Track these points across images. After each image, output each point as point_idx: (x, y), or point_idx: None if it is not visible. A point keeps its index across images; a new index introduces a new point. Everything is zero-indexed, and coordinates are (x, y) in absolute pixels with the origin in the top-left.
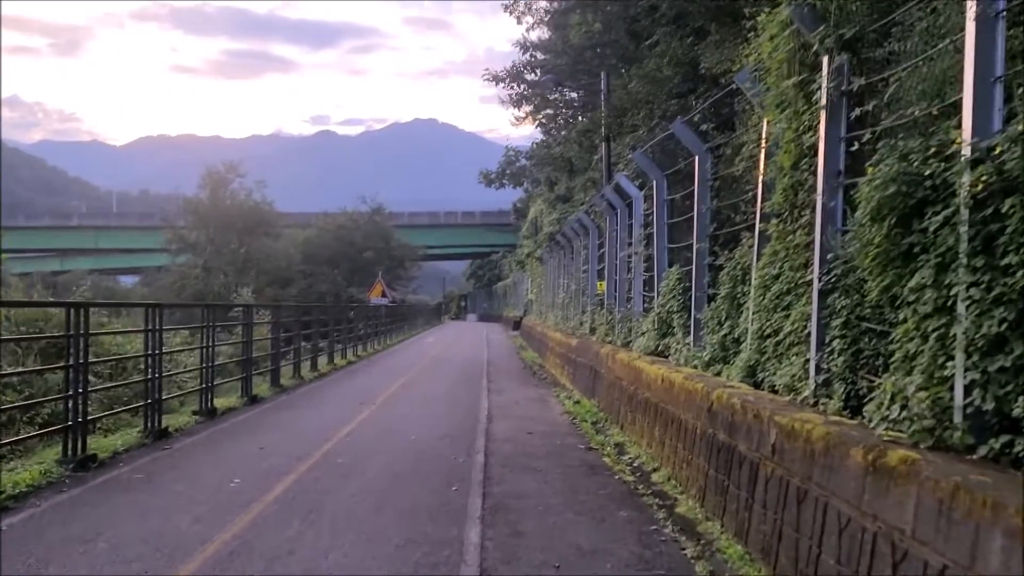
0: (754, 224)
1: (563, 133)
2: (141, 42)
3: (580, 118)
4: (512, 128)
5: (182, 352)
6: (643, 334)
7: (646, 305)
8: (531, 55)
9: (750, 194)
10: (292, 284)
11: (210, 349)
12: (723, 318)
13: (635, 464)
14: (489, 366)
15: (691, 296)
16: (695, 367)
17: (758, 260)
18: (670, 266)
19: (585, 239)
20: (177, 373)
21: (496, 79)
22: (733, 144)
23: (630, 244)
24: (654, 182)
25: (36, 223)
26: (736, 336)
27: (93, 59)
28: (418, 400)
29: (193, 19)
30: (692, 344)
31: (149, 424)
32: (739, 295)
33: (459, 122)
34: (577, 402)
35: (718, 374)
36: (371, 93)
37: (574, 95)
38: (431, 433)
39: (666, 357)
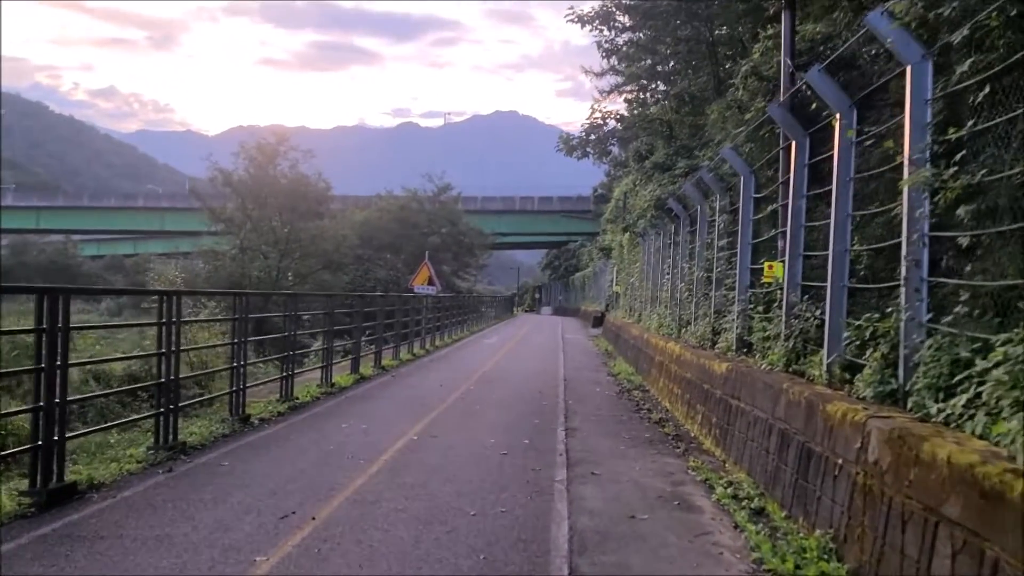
0: None
1: (660, 92)
2: (233, 36)
3: (667, 85)
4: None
5: None
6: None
7: (958, 309)
8: None
9: None
10: (344, 269)
11: None
12: None
13: None
14: (567, 392)
15: None
16: None
17: None
18: None
19: (723, 198)
20: None
21: (581, 20)
22: None
23: (901, 163)
24: None
25: (100, 203)
26: None
27: (187, 52)
28: (416, 511)
29: (283, 13)
30: None
31: None
32: None
33: (538, 115)
34: (761, 513)
35: None
36: (450, 86)
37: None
38: None
39: None
